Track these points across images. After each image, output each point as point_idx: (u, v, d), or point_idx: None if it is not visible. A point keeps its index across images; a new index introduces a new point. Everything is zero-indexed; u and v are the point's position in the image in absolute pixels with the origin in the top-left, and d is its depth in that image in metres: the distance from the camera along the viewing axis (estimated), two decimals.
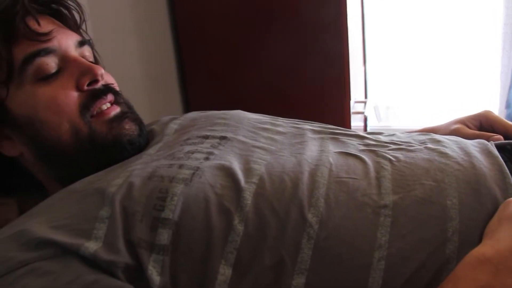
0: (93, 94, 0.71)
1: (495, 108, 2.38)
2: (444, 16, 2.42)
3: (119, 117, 0.72)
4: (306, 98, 1.50)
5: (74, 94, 0.70)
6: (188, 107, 1.62)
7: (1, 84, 0.68)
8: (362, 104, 1.69)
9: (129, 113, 0.74)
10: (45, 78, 0.69)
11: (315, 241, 0.57)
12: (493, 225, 0.56)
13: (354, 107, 1.56)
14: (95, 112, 0.71)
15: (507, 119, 2.11)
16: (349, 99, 1.46)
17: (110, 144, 0.71)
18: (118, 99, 0.75)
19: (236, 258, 0.56)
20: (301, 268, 0.56)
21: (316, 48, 1.45)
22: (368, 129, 1.73)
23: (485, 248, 0.53)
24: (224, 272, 0.56)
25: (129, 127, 0.73)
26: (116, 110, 0.73)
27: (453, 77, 2.52)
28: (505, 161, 0.65)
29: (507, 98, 2.32)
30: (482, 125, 0.86)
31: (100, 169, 0.68)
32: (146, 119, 0.81)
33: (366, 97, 2.13)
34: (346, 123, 1.48)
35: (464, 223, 0.58)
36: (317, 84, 1.48)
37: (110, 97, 0.73)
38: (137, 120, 0.75)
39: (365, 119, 1.68)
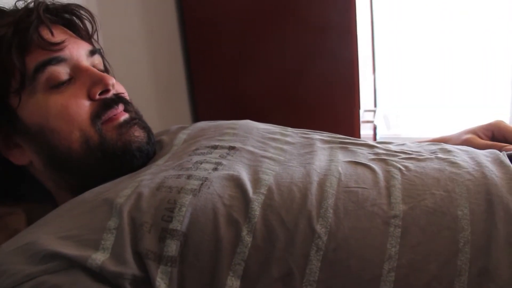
0: (105, 104, 0.72)
1: (506, 116, 2.37)
2: (454, 24, 2.42)
3: (128, 123, 0.73)
4: (315, 107, 1.50)
5: (86, 103, 0.71)
6: (196, 115, 1.62)
7: (13, 93, 0.69)
8: (372, 113, 1.69)
9: (137, 119, 0.75)
10: (57, 86, 0.70)
11: (324, 252, 0.56)
12: None
13: (364, 116, 1.55)
14: (105, 120, 0.71)
15: None
16: (359, 108, 1.46)
17: (120, 151, 0.71)
18: (128, 107, 0.75)
19: (244, 269, 0.56)
20: (310, 280, 0.56)
21: (325, 58, 1.45)
22: (378, 138, 1.72)
23: None
24: (232, 284, 0.55)
25: (138, 134, 0.73)
26: (125, 115, 0.74)
27: (463, 85, 2.51)
28: None
29: None
30: (494, 135, 0.85)
31: (110, 177, 0.69)
32: (155, 127, 0.81)
33: (375, 105, 2.13)
34: (356, 132, 1.48)
35: (476, 233, 0.56)
36: (326, 93, 1.47)
37: (121, 107, 0.74)
38: (146, 128, 0.76)
39: (375, 128, 1.68)
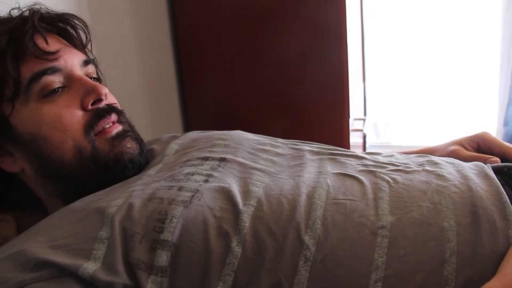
0: (97, 114, 0.72)
1: (493, 126, 2.39)
2: (443, 34, 2.44)
3: (121, 135, 0.73)
4: (305, 116, 1.50)
5: (79, 113, 0.71)
6: (188, 124, 1.63)
7: (6, 101, 0.69)
8: (361, 122, 1.70)
9: (130, 131, 0.75)
10: (50, 95, 0.70)
11: (312, 263, 0.57)
12: (504, 261, 0.56)
13: (353, 124, 1.56)
14: (98, 131, 0.72)
15: (505, 137, 2.11)
16: (348, 116, 1.47)
17: (112, 162, 0.71)
18: (121, 118, 0.76)
19: (233, 280, 0.57)
20: None
21: (316, 67, 1.45)
22: (367, 146, 1.73)
23: (493, 283, 0.53)
24: None
25: (131, 146, 0.73)
26: (118, 128, 0.74)
27: (451, 94, 2.53)
28: (502, 184, 0.66)
29: (505, 116, 2.33)
30: (480, 146, 0.86)
31: (101, 187, 0.69)
32: (146, 136, 0.82)
33: (365, 114, 2.14)
34: (345, 141, 1.49)
35: (462, 244, 0.58)
36: (316, 102, 1.48)
37: (113, 116, 0.74)
38: (138, 140, 0.76)
39: (364, 137, 1.69)
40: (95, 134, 0.71)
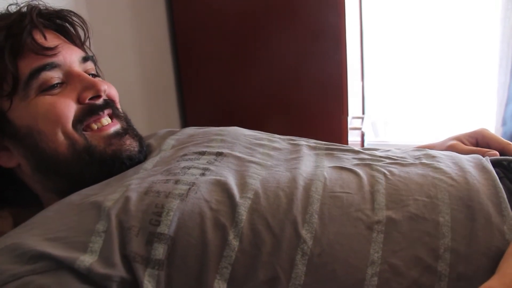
0: (90, 109, 0.72)
1: (491, 125, 2.39)
2: (441, 33, 2.44)
3: (120, 134, 0.73)
4: (303, 114, 1.51)
5: (73, 106, 0.71)
6: (185, 120, 1.63)
7: (5, 97, 0.69)
8: (360, 120, 1.70)
9: (129, 129, 0.75)
10: (49, 91, 0.70)
11: (309, 257, 0.57)
12: (503, 260, 0.56)
13: (352, 122, 1.57)
14: (96, 128, 0.72)
15: (503, 136, 2.11)
16: (347, 115, 1.47)
17: (109, 158, 0.71)
18: (117, 113, 0.76)
19: (230, 273, 0.57)
20: (295, 284, 0.56)
21: (314, 65, 1.46)
22: (365, 145, 1.73)
23: (492, 282, 0.53)
24: (219, 287, 0.56)
25: (130, 143, 0.73)
26: (116, 126, 0.74)
27: (450, 93, 2.54)
28: (500, 177, 0.66)
29: (503, 116, 2.32)
30: (478, 142, 0.86)
31: (98, 181, 0.69)
32: (144, 131, 0.82)
33: (363, 112, 2.14)
34: (344, 139, 1.49)
35: (456, 240, 0.58)
36: (315, 100, 1.49)
37: (107, 111, 0.74)
38: (137, 136, 0.76)
39: (362, 135, 1.69)
40: (86, 130, 0.71)
